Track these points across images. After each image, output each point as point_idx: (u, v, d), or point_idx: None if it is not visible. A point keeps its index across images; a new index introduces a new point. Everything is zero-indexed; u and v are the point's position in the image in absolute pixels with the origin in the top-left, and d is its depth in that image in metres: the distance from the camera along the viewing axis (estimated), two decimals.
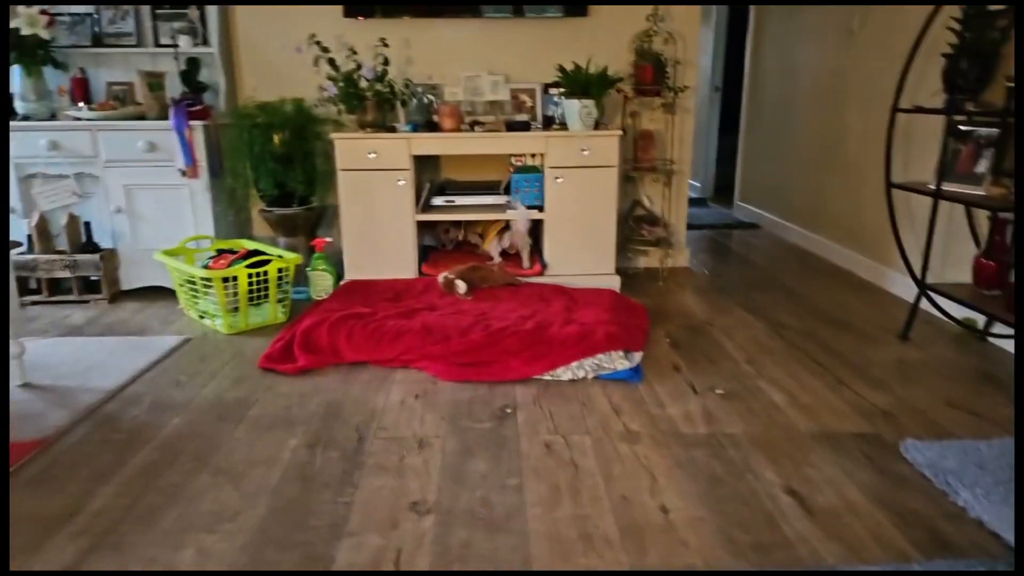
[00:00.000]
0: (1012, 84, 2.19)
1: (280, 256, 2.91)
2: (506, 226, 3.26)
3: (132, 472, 1.80)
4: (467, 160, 3.57)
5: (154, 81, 3.15)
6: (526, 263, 3.21)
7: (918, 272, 2.68)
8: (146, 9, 3.33)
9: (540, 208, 3.14)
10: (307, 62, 3.30)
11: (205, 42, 3.34)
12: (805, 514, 1.61)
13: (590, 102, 2.95)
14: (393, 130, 3.09)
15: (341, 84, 3.00)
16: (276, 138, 3.06)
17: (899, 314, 2.97)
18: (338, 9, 3.34)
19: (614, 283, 3.20)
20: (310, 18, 3.38)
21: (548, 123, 3.39)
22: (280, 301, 2.88)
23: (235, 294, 2.74)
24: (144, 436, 1.98)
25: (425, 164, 3.50)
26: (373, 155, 3.01)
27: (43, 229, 3.11)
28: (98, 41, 3.33)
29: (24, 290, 3.12)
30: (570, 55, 3.42)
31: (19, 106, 3.12)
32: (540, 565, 1.45)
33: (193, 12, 3.29)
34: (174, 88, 3.29)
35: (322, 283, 3.10)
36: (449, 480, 1.76)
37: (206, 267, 2.85)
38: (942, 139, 2.49)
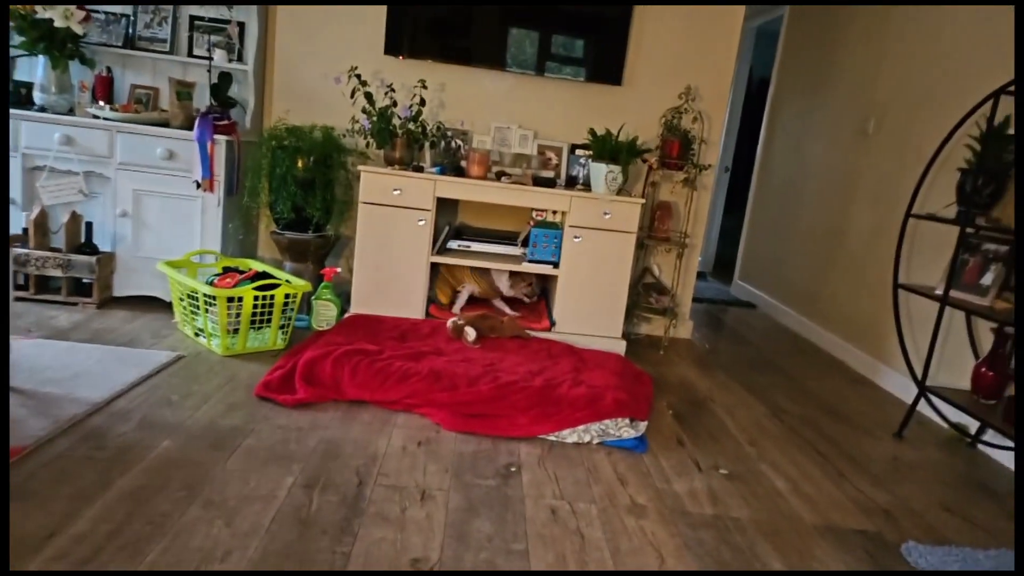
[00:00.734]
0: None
1: (288, 281, 2.85)
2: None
3: (117, 495, 1.69)
4: (486, 208, 3.59)
5: (183, 90, 3.12)
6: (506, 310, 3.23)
7: (918, 373, 2.73)
8: (185, 19, 3.34)
9: (555, 264, 3.15)
10: (339, 91, 3.33)
11: (240, 59, 3.35)
12: None
13: (617, 167, 2.99)
14: (420, 169, 3.09)
15: (375, 119, 3.01)
16: (300, 162, 3.04)
17: (893, 410, 3.01)
18: (379, 45, 3.39)
19: (620, 347, 3.20)
20: (351, 50, 3.42)
21: (571, 182, 3.44)
22: (282, 327, 2.81)
23: (237, 315, 2.67)
24: (132, 456, 1.88)
25: (444, 206, 3.51)
26: (398, 192, 3.01)
27: (41, 223, 3.01)
28: (130, 43, 3.31)
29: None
30: (601, 120, 3.51)
31: (38, 97, 3.06)
32: None
33: (233, 28, 3.31)
34: (201, 100, 3.28)
35: (326, 313, 3.03)
36: (453, 538, 1.69)
37: (211, 284, 2.78)
38: (955, 248, 2.57)
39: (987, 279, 2.51)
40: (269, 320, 2.77)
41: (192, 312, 2.78)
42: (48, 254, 2.97)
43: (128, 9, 3.30)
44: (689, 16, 3.44)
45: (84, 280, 3.06)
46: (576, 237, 3.09)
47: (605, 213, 3.07)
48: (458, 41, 3.36)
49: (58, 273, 2.98)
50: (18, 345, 2.45)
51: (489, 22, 3.34)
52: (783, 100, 4.96)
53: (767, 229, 4.95)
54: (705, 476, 2.18)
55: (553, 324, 3.18)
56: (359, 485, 1.88)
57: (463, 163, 3.25)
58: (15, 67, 3.25)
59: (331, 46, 3.42)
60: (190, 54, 3.34)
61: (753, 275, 5.11)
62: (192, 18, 3.33)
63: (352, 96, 3.12)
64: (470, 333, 2.84)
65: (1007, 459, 2.57)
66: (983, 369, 2.52)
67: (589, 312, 3.17)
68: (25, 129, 2.97)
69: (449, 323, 2.91)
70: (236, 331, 2.69)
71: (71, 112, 3.10)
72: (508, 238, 3.34)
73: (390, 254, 3.07)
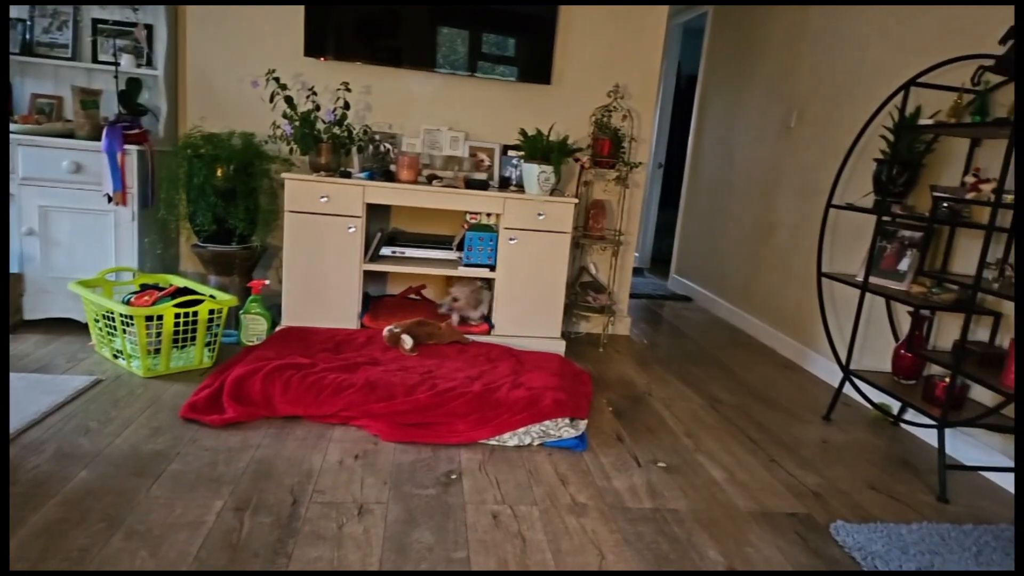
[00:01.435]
0: (936, 193, 2.40)
1: (212, 296, 2.73)
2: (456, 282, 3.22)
3: (32, 531, 1.59)
4: (419, 212, 3.53)
5: (88, 99, 2.95)
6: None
7: (843, 357, 2.84)
8: (87, 22, 3.15)
9: (492, 267, 3.13)
10: (257, 96, 3.21)
11: (149, 63, 3.19)
12: None
13: (549, 168, 3.00)
14: (347, 175, 3.02)
15: (297, 123, 2.92)
16: (219, 171, 2.92)
17: (820, 394, 3.12)
18: (299, 47, 3.28)
19: (559, 347, 3.21)
20: (268, 52, 3.30)
21: (504, 184, 3.43)
22: (208, 345, 2.69)
23: (158, 335, 2.54)
24: (46, 490, 1.76)
25: (375, 212, 3.44)
26: (325, 199, 2.92)
27: None
28: (27, 49, 3.11)
29: None
30: (531, 120, 3.50)
31: None
32: None
33: (140, 31, 3.15)
34: (109, 108, 3.11)
35: (255, 328, 2.93)
36: (392, 551, 1.65)
37: (127, 302, 2.63)
38: (872, 237, 2.68)
39: (904, 265, 2.62)
40: (194, 338, 2.64)
41: (109, 333, 2.63)
42: None
43: (24, 12, 3.09)
44: (615, 14, 3.48)
45: None
46: (511, 239, 3.08)
47: (539, 214, 3.07)
48: (385, 41, 3.29)
49: None
50: None
51: (418, 21, 3.28)
52: (710, 96, 5.09)
53: (701, 224, 5.07)
54: (644, 470, 2.20)
55: (491, 327, 3.16)
56: (293, 504, 1.82)
57: (392, 167, 3.19)
58: None
59: (247, 48, 3.30)
60: (95, 60, 3.15)
61: (688, 269, 5.22)
62: (95, 21, 3.15)
63: (272, 100, 3.01)
64: (407, 341, 2.79)
65: (927, 436, 2.70)
66: (902, 351, 2.64)
67: (527, 313, 3.17)
68: None
69: (385, 331, 2.85)
70: (158, 351, 2.56)
71: None
72: (443, 242, 3.30)
73: (321, 263, 2.99)
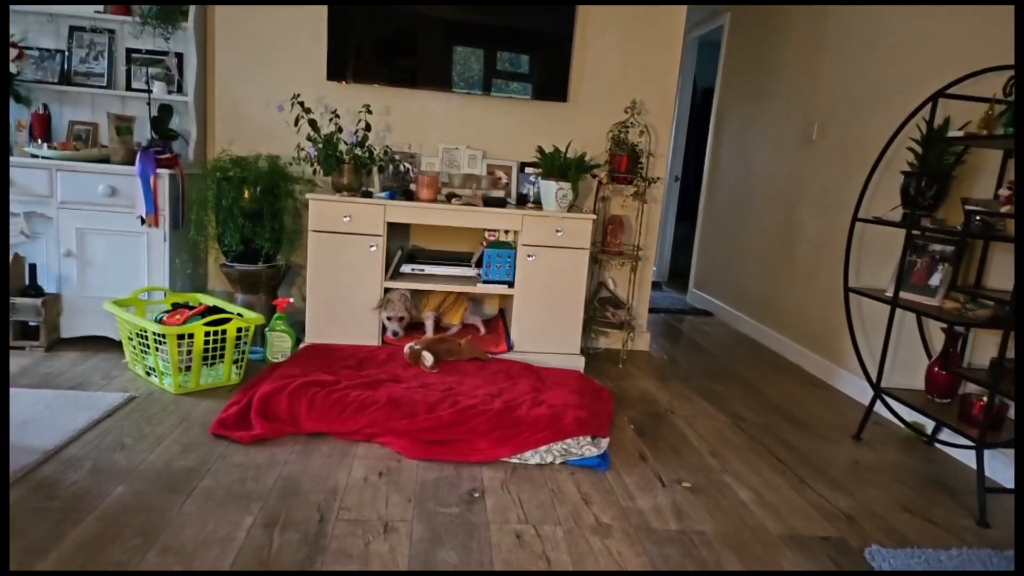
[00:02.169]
0: (969, 207, 2.36)
1: (240, 315, 2.79)
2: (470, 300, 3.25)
3: (72, 547, 1.63)
4: (438, 230, 3.57)
5: (123, 125, 3.06)
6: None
7: (872, 374, 2.78)
8: (121, 52, 3.27)
9: (510, 284, 3.15)
10: (282, 119, 3.30)
11: (180, 90, 3.29)
12: None
13: (567, 184, 3.02)
14: (368, 195, 3.07)
15: (321, 145, 2.99)
16: (247, 193, 2.99)
17: (850, 412, 3.07)
18: (321, 71, 3.36)
19: (578, 363, 3.21)
20: (293, 77, 3.38)
21: (522, 201, 3.46)
22: (236, 362, 2.75)
23: (189, 352, 2.60)
24: (85, 505, 1.81)
25: (395, 230, 3.48)
26: (347, 219, 2.98)
27: None
28: (65, 79, 3.23)
29: None
30: (549, 137, 3.53)
31: None
32: None
33: (171, 59, 3.25)
34: (142, 134, 3.21)
35: (280, 345, 2.98)
36: (418, 571, 1.66)
37: (160, 321, 2.70)
38: (902, 251, 2.63)
39: (935, 279, 2.57)
40: (222, 355, 2.70)
41: (142, 351, 2.70)
42: None
43: (62, 44, 3.22)
44: (631, 30, 3.50)
45: (31, 323, 2.95)
46: (529, 256, 3.10)
47: (557, 230, 3.09)
48: (403, 63, 3.35)
49: None
50: None
51: (433, 42, 3.34)
52: (728, 109, 5.08)
53: (719, 237, 5.04)
54: (668, 491, 2.18)
55: (511, 347, 3.17)
56: (320, 521, 1.84)
57: (412, 186, 3.24)
58: None
59: (273, 74, 3.39)
60: (128, 88, 3.27)
61: (708, 283, 5.19)
62: (129, 51, 3.27)
63: (296, 124, 3.09)
64: (427, 358, 2.82)
65: (964, 457, 2.62)
66: (936, 369, 2.56)
67: (546, 330, 3.18)
68: None
69: (406, 348, 2.88)
70: (188, 368, 2.62)
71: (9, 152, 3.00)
72: (462, 259, 3.34)
73: (343, 281, 3.04)
